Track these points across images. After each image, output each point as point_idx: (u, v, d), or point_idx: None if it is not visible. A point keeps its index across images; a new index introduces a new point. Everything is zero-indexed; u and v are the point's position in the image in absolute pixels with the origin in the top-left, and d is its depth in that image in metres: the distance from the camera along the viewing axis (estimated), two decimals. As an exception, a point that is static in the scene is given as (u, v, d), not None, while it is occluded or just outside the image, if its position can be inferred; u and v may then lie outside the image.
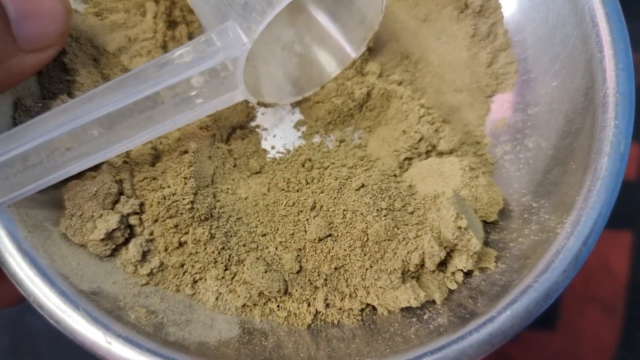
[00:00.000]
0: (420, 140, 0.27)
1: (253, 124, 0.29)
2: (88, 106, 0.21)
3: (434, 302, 0.24)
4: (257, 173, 0.27)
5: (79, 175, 0.23)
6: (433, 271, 0.24)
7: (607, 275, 0.44)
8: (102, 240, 0.23)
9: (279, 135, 0.29)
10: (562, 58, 0.27)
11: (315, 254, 0.25)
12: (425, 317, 0.24)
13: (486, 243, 0.25)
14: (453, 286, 0.24)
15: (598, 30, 0.26)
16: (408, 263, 0.23)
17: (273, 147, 0.29)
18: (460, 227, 0.23)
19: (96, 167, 0.24)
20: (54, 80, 0.26)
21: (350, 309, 0.24)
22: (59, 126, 0.21)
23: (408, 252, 0.23)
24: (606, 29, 0.25)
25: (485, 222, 0.25)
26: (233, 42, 0.22)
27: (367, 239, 0.24)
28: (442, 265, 0.24)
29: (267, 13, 0.22)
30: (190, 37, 0.30)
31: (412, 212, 0.25)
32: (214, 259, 0.24)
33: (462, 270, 0.24)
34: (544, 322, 0.42)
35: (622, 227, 0.44)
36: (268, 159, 0.28)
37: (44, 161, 0.22)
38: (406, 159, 0.27)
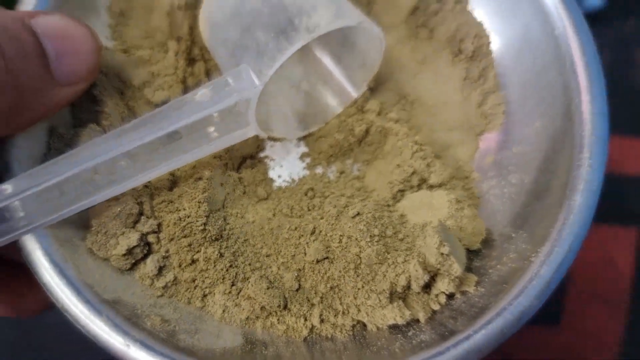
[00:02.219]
0: (412, 173, 0.29)
1: (262, 154, 0.32)
2: (117, 141, 0.24)
3: (418, 320, 0.26)
4: (264, 199, 0.30)
5: (105, 197, 0.26)
6: (418, 293, 0.26)
7: (612, 272, 0.45)
8: (124, 255, 0.26)
9: (285, 165, 0.32)
10: (546, 101, 0.29)
11: (313, 274, 0.27)
12: (410, 333, 0.26)
13: (468, 269, 0.27)
14: (436, 307, 0.26)
15: (577, 77, 0.28)
16: (396, 285, 0.26)
17: (279, 176, 0.31)
18: (442, 254, 0.25)
19: (120, 190, 0.27)
20: (85, 110, 0.29)
21: (343, 324, 0.27)
22: (92, 158, 0.24)
23: (396, 275, 0.26)
24: (584, 77, 0.28)
25: (468, 250, 0.28)
26: (246, 84, 0.25)
27: (360, 262, 0.26)
28: (427, 287, 0.26)
29: (277, 58, 0.25)
30: (207, 73, 0.32)
31: (402, 239, 0.27)
32: (222, 275, 0.27)
33: (444, 293, 0.26)
34: (549, 318, 0.43)
35: (627, 224, 0.46)
36: (275, 187, 0.31)
37: (77, 189, 0.25)
38: (399, 190, 0.30)
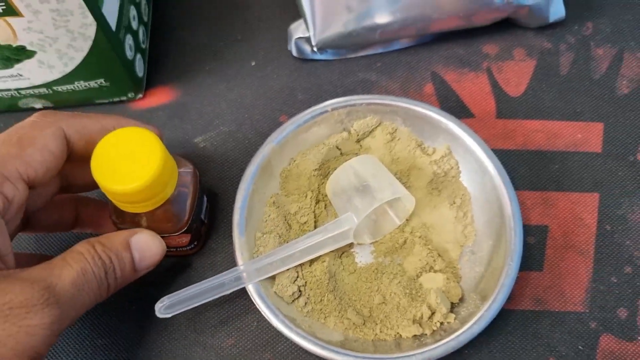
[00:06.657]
0: (426, 264, 0.52)
1: (352, 250, 0.59)
2: (294, 246, 0.55)
3: (426, 333, 0.54)
4: (353, 272, 0.58)
5: (283, 268, 0.56)
6: (426, 321, 0.54)
7: (581, 228, 0.56)
8: (290, 295, 0.55)
9: (363, 255, 0.55)
10: (493, 231, 0.57)
11: (377, 310, 0.55)
12: (422, 339, 0.53)
13: (451, 311, 0.56)
14: (434, 327, 0.54)
15: (510, 221, 0.56)
16: (416, 316, 0.54)
17: (360, 261, 0.58)
18: (437, 303, 0.54)
19: (289, 265, 0.57)
20: (269, 225, 0.59)
21: (390, 334, 0.54)
22: (283, 254, 0.54)
23: (416, 312, 0.54)
24: (512, 222, 0.57)
25: (452, 303, 0.57)
26: (351, 222, 0.55)
27: (400, 305, 0.55)
28: (430, 318, 0.54)
29: (364, 212, 0.54)
30: (325, 207, 0.63)
31: (420, 295, 0.56)
32: (335, 308, 0.55)
33: (438, 322, 0.54)
34: (534, 265, 0.55)
35: (591, 190, 0.58)
36: (357, 267, 0.59)
37: (273, 266, 0.55)
38: (419, 272, 0.53)
